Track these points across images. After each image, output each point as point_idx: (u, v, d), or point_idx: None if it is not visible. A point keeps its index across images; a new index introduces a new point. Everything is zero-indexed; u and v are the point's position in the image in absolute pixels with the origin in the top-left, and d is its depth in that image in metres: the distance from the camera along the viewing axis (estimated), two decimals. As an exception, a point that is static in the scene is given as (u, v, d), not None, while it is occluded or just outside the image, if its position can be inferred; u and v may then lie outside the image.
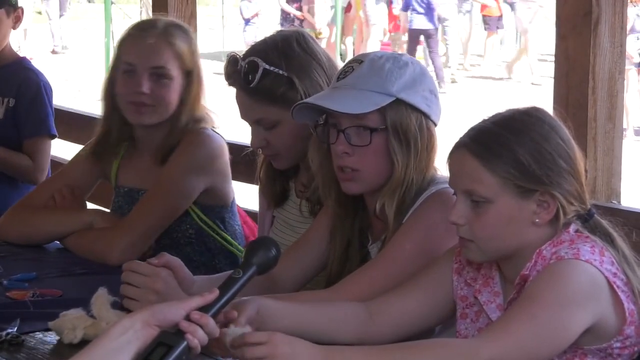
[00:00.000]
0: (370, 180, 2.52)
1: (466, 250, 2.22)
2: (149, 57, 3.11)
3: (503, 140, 2.15)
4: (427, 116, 2.51)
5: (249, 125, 2.87)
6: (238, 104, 2.84)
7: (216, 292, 2.02)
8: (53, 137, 4.14)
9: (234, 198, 3.32)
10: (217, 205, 3.25)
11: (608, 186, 2.96)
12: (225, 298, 2.02)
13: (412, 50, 15.91)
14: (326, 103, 2.48)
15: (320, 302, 2.37)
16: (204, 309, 1.98)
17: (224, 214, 3.27)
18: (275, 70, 2.76)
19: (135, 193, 3.25)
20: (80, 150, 3.41)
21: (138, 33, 3.17)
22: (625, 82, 3.03)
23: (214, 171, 3.17)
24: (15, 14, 4.10)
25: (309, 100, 2.54)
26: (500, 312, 2.22)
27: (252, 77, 2.75)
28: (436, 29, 16.07)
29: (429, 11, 15.88)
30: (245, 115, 2.84)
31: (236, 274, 2.07)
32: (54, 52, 19.80)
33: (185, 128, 3.15)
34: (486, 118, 2.23)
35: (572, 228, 2.18)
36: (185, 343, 1.91)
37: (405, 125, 2.47)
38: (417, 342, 2.20)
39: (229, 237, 3.26)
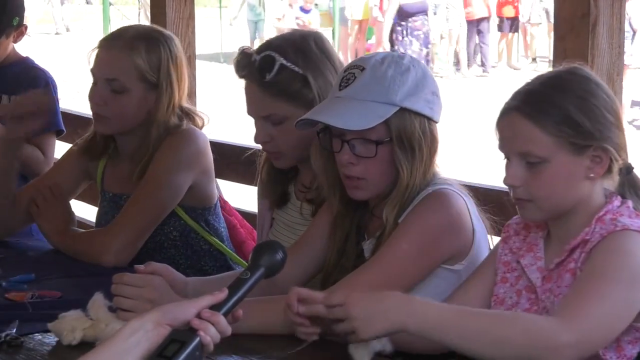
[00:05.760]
0: (377, 187, 2.53)
1: (523, 210, 2.25)
2: (105, 68, 3.14)
3: (553, 100, 2.18)
4: (429, 119, 2.52)
5: (253, 121, 2.83)
6: (248, 98, 2.81)
7: (226, 292, 2.02)
8: (61, 132, 4.15)
9: (217, 201, 3.31)
10: (200, 207, 3.24)
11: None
12: (235, 298, 2.03)
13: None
14: (329, 119, 2.47)
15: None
16: (214, 308, 1.99)
17: (207, 216, 3.27)
18: (292, 67, 2.74)
19: (118, 199, 3.26)
20: (67, 151, 3.42)
21: (103, 43, 3.20)
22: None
23: (198, 168, 3.17)
24: (17, 31, 4.13)
25: (313, 115, 2.53)
26: (540, 274, 2.25)
27: (269, 71, 2.73)
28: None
29: None
30: (254, 109, 2.81)
31: (244, 275, 2.08)
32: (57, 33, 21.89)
33: (161, 137, 3.14)
34: (530, 81, 2.26)
35: (630, 203, 2.22)
36: (198, 339, 1.92)
37: (410, 132, 2.48)
38: (500, 312, 2.23)
39: (214, 239, 3.26)
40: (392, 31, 14.49)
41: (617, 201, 2.23)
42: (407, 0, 13.75)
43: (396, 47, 14.18)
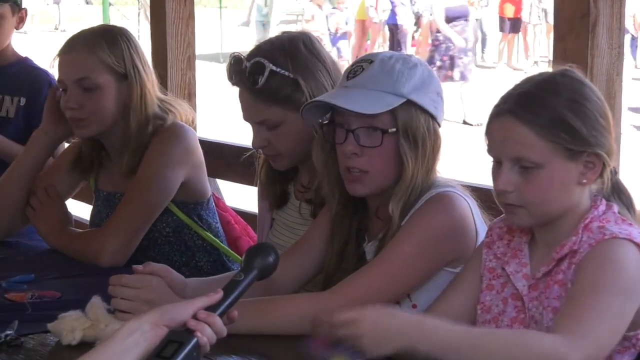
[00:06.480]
0: (378, 182, 2.52)
1: (513, 216, 2.21)
2: (71, 69, 3.14)
3: (547, 103, 2.14)
4: (434, 118, 2.52)
5: (249, 125, 2.85)
6: (242, 105, 2.81)
7: (221, 293, 2.04)
8: None
9: (210, 196, 3.32)
10: (192, 202, 3.25)
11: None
12: (230, 299, 2.04)
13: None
14: (339, 102, 2.47)
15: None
16: (210, 309, 2.00)
17: (200, 211, 3.27)
18: (282, 72, 2.73)
19: (112, 197, 3.26)
20: (62, 152, 3.43)
21: (62, 50, 3.19)
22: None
23: (189, 164, 3.18)
24: (19, 14, 4.13)
25: (321, 98, 2.53)
26: (527, 282, 2.22)
27: (258, 78, 2.73)
28: None
29: None
30: (248, 115, 2.82)
31: (238, 277, 2.09)
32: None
33: (142, 129, 3.15)
34: (520, 83, 2.21)
35: (615, 208, 2.20)
36: (195, 339, 1.93)
37: (415, 127, 2.48)
38: (510, 332, 2.18)
39: (208, 234, 3.26)
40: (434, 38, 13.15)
41: (602, 206, 2.20)
42: (449, 4, 12.85)
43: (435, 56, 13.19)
